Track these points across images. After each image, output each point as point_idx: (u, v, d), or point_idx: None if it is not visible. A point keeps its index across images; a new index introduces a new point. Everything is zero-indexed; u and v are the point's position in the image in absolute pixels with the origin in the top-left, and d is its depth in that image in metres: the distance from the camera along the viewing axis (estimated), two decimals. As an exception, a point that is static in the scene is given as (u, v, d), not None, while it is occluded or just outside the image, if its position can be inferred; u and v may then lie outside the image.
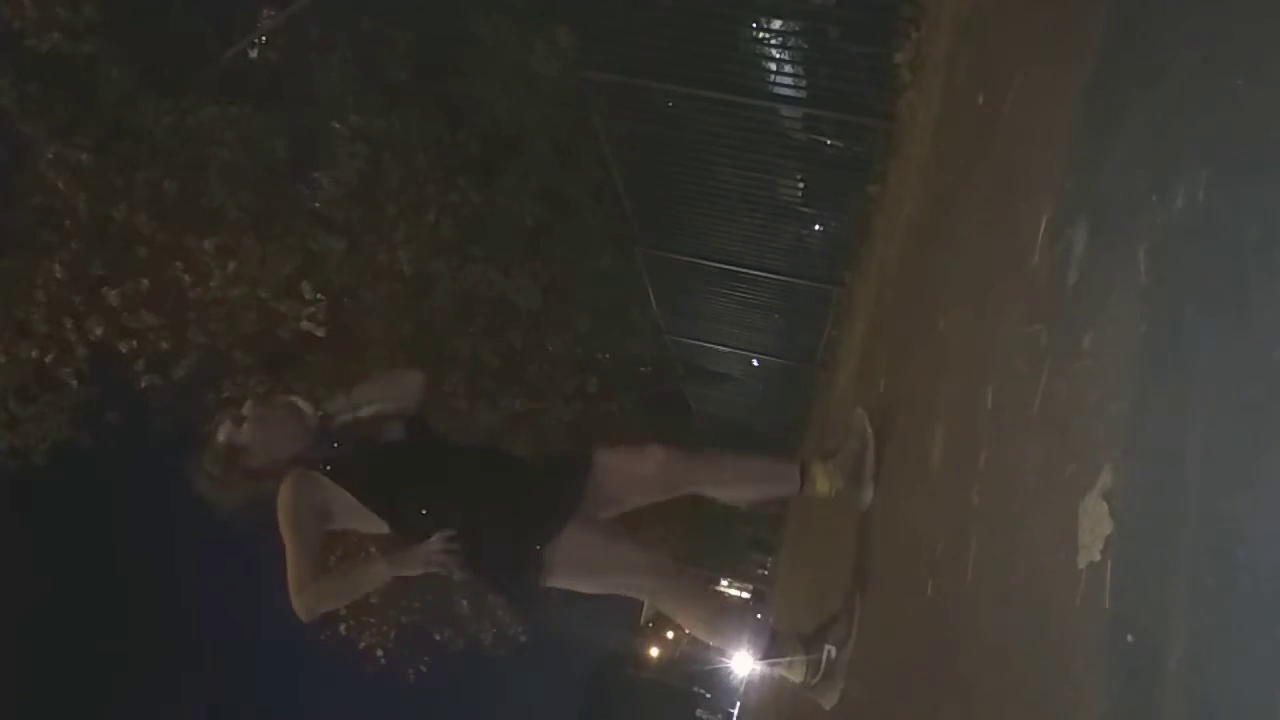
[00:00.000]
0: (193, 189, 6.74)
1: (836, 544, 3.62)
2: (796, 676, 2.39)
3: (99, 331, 6.68)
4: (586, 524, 2.34)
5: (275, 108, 7.37)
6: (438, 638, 12.27)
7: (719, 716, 44.84)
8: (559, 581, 2.32)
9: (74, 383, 6.90)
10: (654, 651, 47.82)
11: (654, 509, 2.50)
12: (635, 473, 2.49)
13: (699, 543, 18.87)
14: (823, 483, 2.56)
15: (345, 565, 2.37)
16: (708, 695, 46.14)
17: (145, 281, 6.66)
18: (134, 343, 6.86)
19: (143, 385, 7.10)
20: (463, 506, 2.32)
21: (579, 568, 2.32)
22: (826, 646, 2.36)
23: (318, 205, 7.69)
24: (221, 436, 2.32)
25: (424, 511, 2.30)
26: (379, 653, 11.69)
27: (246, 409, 2.33)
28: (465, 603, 12.48)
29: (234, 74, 7.62)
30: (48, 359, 6.69)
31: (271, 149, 7.08)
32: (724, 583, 50.79)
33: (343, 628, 11.43)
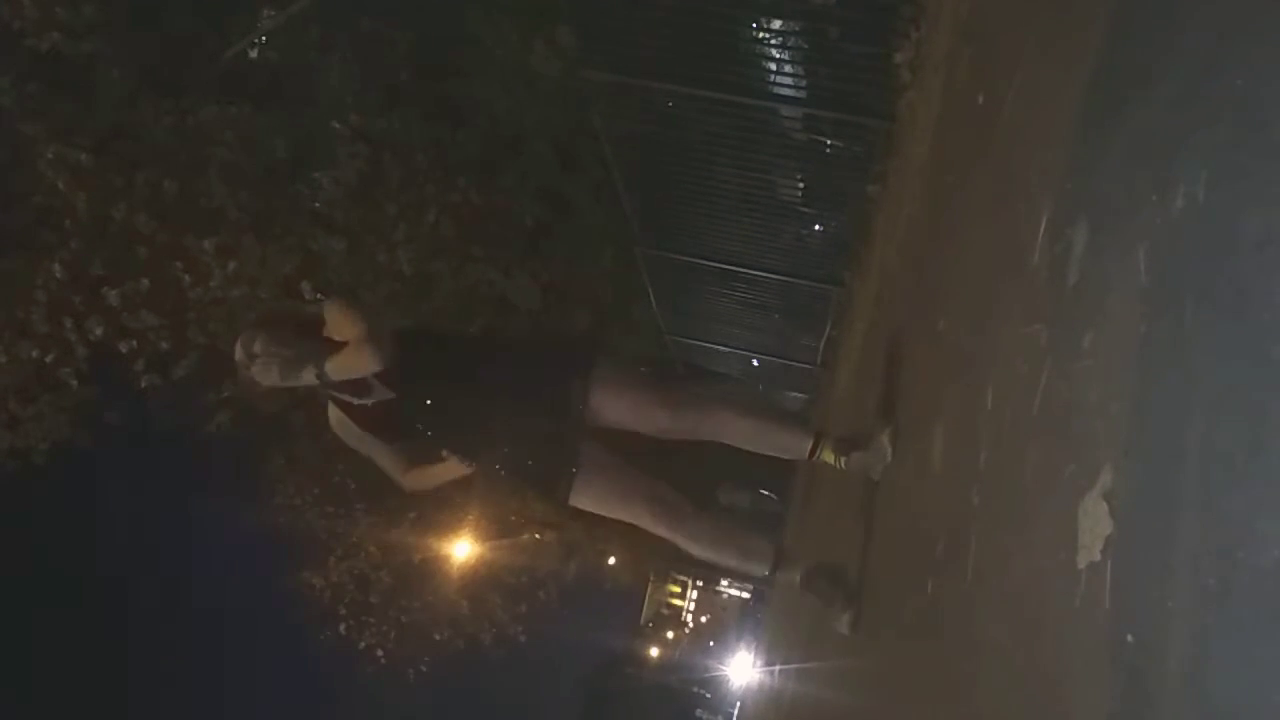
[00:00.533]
0: (193, 189, 6.74)
1: (836, 544, 3.61)
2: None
3: (99, 331, 6.68)
4: (602, 461, 2.41)
5: (275, 108, 7.37)
6: (438, 638, 12.27)
7: (719, 717, 44.80)
8: (582, 501, 2.41)
9: (74, 383, 6.89)
10: (654, 651, 47.80)
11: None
12: (642, 414, 2.52)
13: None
14: (829, 457, 2.62)
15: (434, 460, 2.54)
16: (707, 695, 46.12)
17: (145, 281, 6.66)
18: (134, 343, 6.85)
19: (143, 385, 7.10)
20: (479, 435, 2.45)
21: (599, 495, 2.41)
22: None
23: (318, 205, 7.69)
24: (241, 372, 2.34)
25: (444, 450, 2.45)
26: (379, 653, 11.68)
27: (244, 349, 2.29)
28: (465, 603, 12.46)
29: (234, 74, 7.62)
30: (48, 359, 6.68)
31: (271, 149, 7.08)
32: (724, 583, 50.84)
33: (343, 628, 11.43)
